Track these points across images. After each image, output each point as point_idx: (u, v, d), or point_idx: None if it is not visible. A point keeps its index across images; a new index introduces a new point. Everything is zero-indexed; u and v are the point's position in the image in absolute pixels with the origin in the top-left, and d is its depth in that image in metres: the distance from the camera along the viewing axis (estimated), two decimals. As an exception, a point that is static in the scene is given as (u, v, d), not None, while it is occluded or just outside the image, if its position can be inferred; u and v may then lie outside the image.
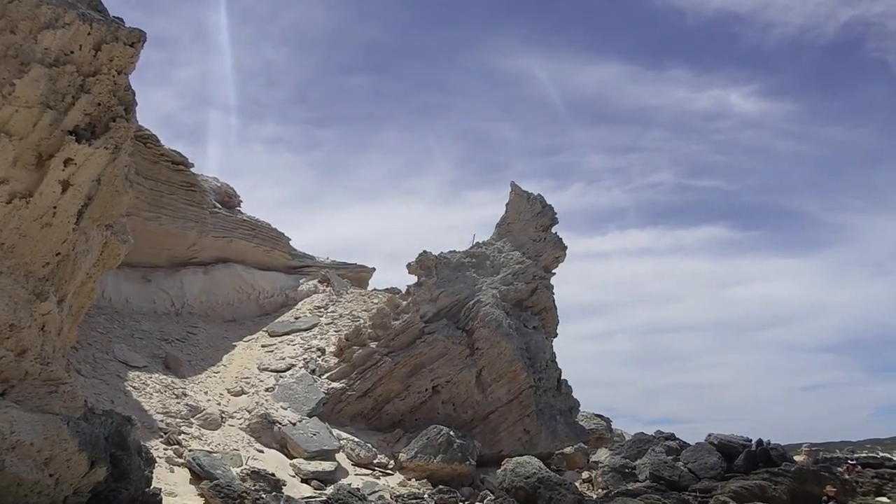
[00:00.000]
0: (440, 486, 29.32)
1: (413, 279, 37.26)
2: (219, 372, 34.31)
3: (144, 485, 18.92)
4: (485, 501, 27.13)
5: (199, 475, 23.75)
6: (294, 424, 30.12)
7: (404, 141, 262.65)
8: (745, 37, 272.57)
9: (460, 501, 28.53)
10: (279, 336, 38.87)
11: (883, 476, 36.01)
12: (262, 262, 43.68)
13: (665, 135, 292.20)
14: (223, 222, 40.25)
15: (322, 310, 42.19)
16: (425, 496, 28.25)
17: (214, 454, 25.85)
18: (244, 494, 21.84)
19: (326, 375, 34.23)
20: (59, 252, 13.84)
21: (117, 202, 15.84)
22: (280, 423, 29.89)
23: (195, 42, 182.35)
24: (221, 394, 32.22)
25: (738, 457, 36.19)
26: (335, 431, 31.11)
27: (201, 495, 22.41)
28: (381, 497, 26.75)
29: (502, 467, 29.24)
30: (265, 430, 29.38)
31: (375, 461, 30.89)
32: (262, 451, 28.24)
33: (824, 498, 21.02)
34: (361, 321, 37.48)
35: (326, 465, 28.40)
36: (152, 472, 20.33)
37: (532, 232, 41.40)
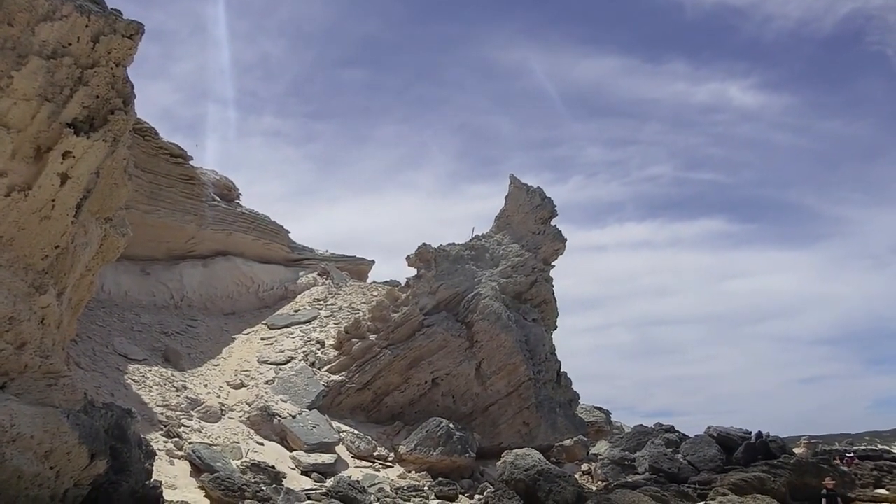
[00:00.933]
0: (440, 479, 29.38)
1: (412, 272, 37.26)
2: (218, 365, 34.33)
3: (145, 477, 18.93)
4: (484, 494, 27.16)
5: (199, 468, 23.77)
6: (294, 417, 30.15)
7: (402, 134, 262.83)
8: (744, 30, 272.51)
9: (460, 494, 28.57)
10: (278, 329, 38.88)
11: (882, 468, 36.13)
12: (262, 254, 43.66)
13: (663, 128, 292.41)
14: (222, 215, 40.21)
15: (321, 302, 42.19)
16: (425, 488, 28.30)
17: (214, 447, 25.86)
18: (244, 487, 21.86)
19: (326, 368, 34.25)
20: (58, 245, 13.80)
21: (116, 195, 15.80)
22: (280, 416, 29.92)
23: (193, 35, 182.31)
24: (221, 386, 32.23)
25: (737, 449, 36.32)
26: (335, 424, 31.15)
27: (201, 488, 22.43)
28: (380, 489, 26.79)
29: (502, 460, 29.26)
30: (265, 423, 29.40)
31: (375, 454, 30.93)
32: (261, 444, 28.27)
33: (823, 491, 21.10)
34: (361, 314, 37.51)
35: (326, 458, 28.43)
36: (152, 465, 20.34)
37: (531, 224, 41.36)
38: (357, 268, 50.54)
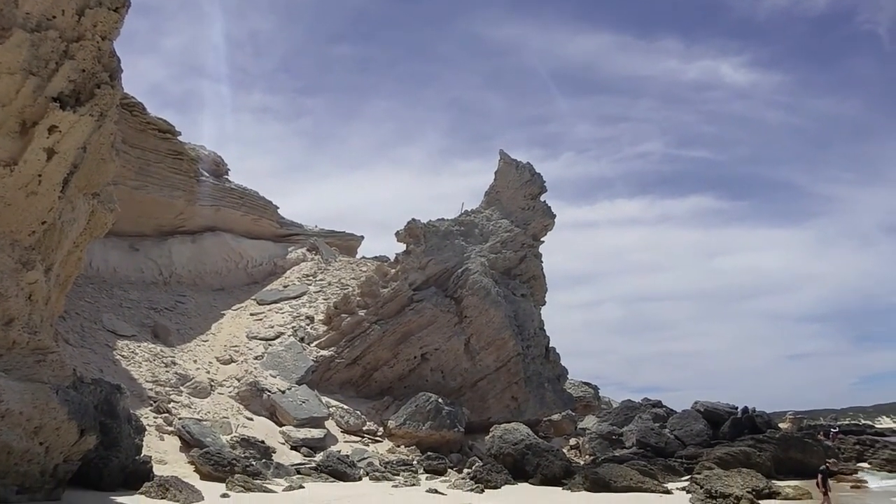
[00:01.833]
0: (429, 453, 29.60)
1: (402, 247, 37.24)
2: (207, 340, 34.33)
3: (134, 453, 19.00)
4: (473, 468, 27.38)
5: (188, 443, 23.85)
6: (283, 392, 30.24)
7: (392, 110, 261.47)
8: (737, 8, 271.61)
9: (449, 468, 28.79)
10: (268, 304, 38.87)
11: (864, 443, 36.67)
12: (251, 230, 43.54)
13: (655, 105, 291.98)
14: (211, 191, 40.01)
15: (310, 278, 42.18)
16: (414, 463, 28.50)
17: (204, 422, 25.93)
18: (234, 462, 21.95)
19: (315, 343, 34.31)
20: (45, 221, 13.70)
21: (103, 170, 15.68)
22: (269, 391, 30.00)
23: (182, 10, 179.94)
24: (210, 362, 32.26)
25: (723, 424, 36.72)
26: (324, 399, 31.26)
27: (191, 463, 22.50)
28: (370, 464, 26.96)
29: (490, 434, 29.51)
30: (254, 398, 29.48)
31: (364, 428, 31.09)
32: (251, 419, 28.36)
33: (823, 467, 21.47)
34: (350, 289, 37.52)
35: (316, 433, 28.56)
36: (142, 440, 20.42)
37: (521, 200, 41.36)
38: (346, 243, 50.50)
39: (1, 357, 13.48)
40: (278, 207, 45.80)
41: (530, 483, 26.53)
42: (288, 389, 30.55)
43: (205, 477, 21.17)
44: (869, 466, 33.05)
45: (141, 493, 17.04)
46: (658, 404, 41.78)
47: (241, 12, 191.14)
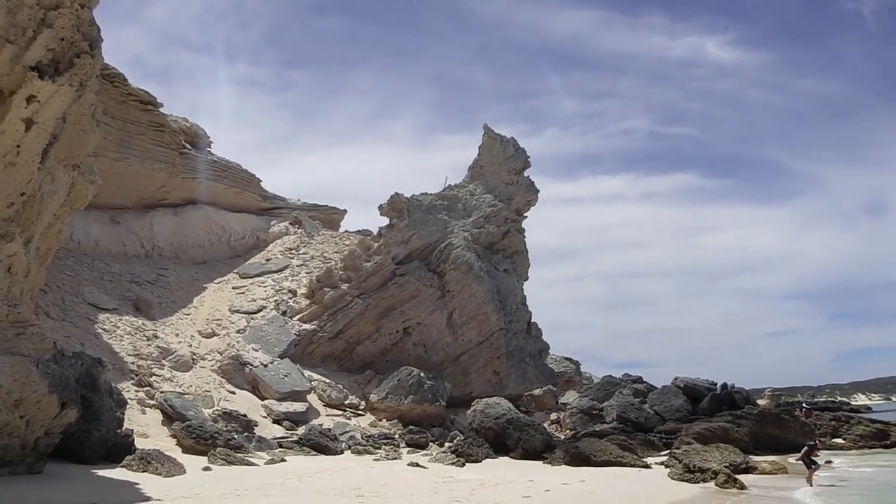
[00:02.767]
0: (410, 427, 29.77)
1: (385, 221, 37.15)
2: (190, 314, 34.20)
3: (116, 426, 18.99)
4: (455, 441, 27.55)
5: (170, 416, 23.87)
6: (265, 366, 30.25)
7: (378, 84, 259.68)
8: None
9: (430, 441, 28.98)
10: (250, 278, 38.75)
11: (840, 419, 37.22)
12: (233, 203, 43.21)
13: (640, 82, 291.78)
14: (193, 163, 39.59)
15: (293, 251, 42.03)
16: (396, 436, 28.67)
17: (186, 396, 25.94)
18: (216, 435, 21.99)
19: (298, 317, 34.28)
20: (24, 192, 13.54)
21: (83, 141, 15.49)
22: (251, 365, 30.00)
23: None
24: (192, 336, 32.17)
25: (703, 400, 37.12)
26: (306, 373, 31.32)
27: (173, 436, 22.53)
28: (351, 437, 27.09)
29: (472, 408, 29.69)
30: (236, 372, 29.49)
31: (346, 402, 31.20)
32: (233, 393, 28.38)
33: (811, 443, 21.87)
34: (333, 263, 37.45)
35: (298, 406, 28.64)
36: (124, 414, 20.41)
37: (504, 175, 41.33)
38: (329, 217, 50.27)
39: (-20, 330, 13.38)
40: (261, 181, 45.49)
41: (511, 457, 26.74)
42: (270, 363, 30.56)
43: (187, 450, 21.20)
44: (843, 442, 33.59)
45: (122, 467, 17.03)
46: (639, 380, 42.11)
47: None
